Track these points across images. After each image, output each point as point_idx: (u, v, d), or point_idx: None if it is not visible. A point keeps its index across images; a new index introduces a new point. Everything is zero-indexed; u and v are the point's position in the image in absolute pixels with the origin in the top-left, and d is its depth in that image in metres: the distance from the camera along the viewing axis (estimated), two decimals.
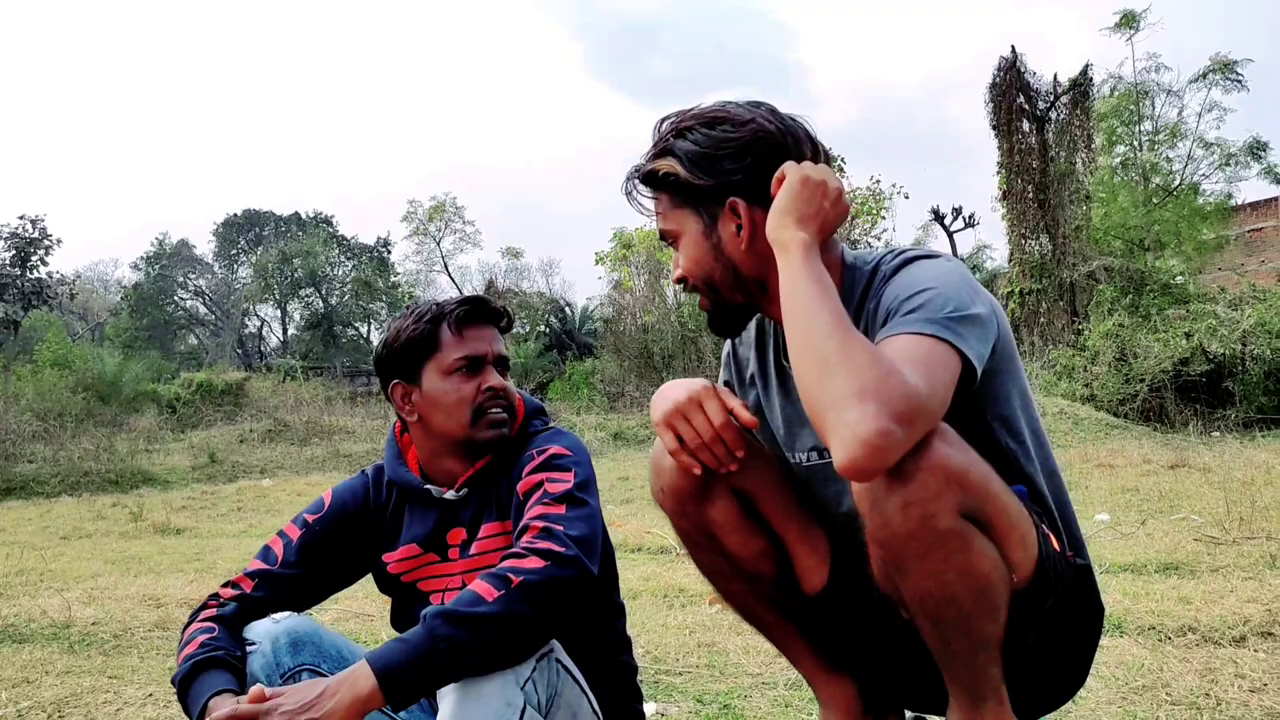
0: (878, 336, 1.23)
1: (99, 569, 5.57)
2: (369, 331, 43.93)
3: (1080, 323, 15.30)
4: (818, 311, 1.19)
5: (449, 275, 37.50)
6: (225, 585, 1.61)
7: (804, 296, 1.21)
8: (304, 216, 45.71)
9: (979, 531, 1.16)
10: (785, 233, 1.30)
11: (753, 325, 1.59)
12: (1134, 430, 11.93)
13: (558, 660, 1.42)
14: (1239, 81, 19.45)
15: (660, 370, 26.91)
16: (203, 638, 1.47)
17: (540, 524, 1.43)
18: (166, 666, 3.06)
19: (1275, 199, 27.23)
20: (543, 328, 39.94)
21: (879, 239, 26.35)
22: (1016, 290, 16.36)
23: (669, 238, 1.46)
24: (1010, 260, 17.12)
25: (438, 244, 36.88)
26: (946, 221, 27.29)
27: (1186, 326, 13.45)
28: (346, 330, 44.05)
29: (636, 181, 1.47)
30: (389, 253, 43.37)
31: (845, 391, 1.08)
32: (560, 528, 1.42)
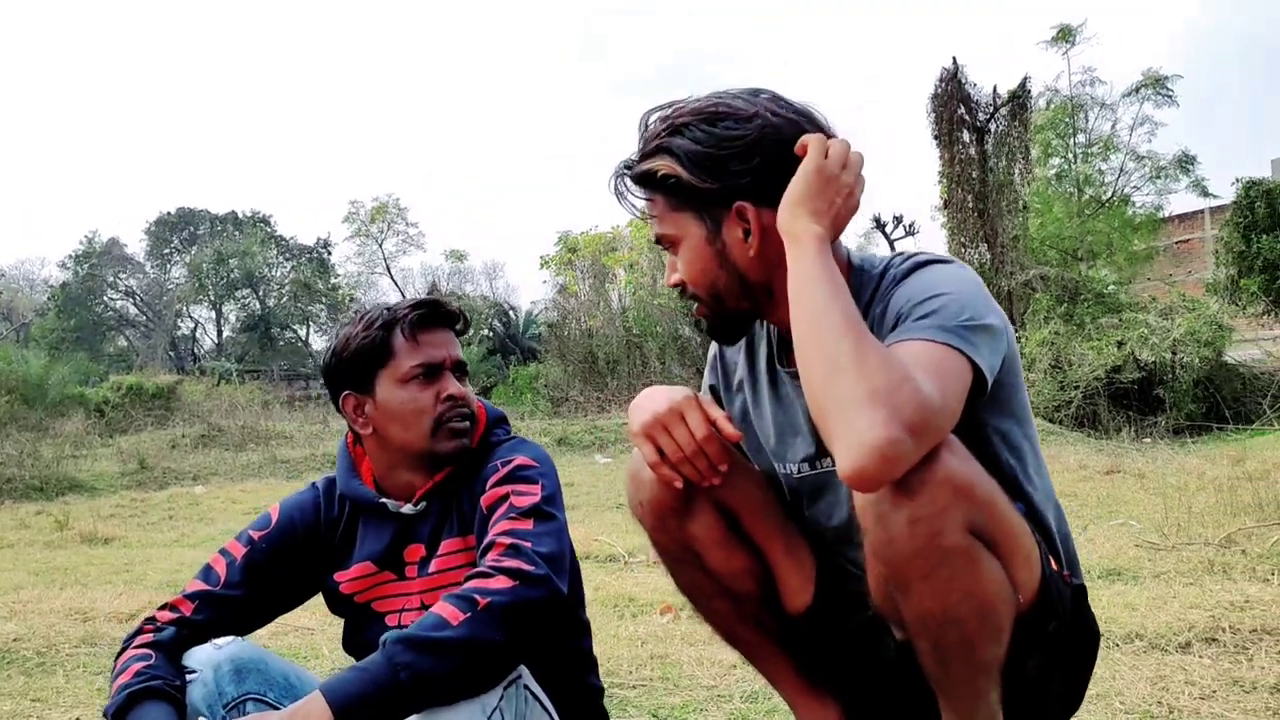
0: (887, 341, 1.18)
1: (21, 581, 5.32)
2: (308, 334, 43.13)
3: (1017, 330, 15.59)
4: (830, 310, 1.13)
5: (391, 278, 36.96)
6: (162, 608, 1.52)
7: (816, 293, 1.15)
8: (240, 215, 44.64)
9: (985, 550, 1.11)
10: (798, 224, 1.22)
11: None
12: (1068, 436, 12.17)
13: (526, 687, 1.35)
14: (1169, 96, 20.15)
15: (605, 375, 26.84)
16: (138, 666, 1.38)
17: (507, 540, 1.36)
18: (95, 688, 2.91)
19: (1201, 211, 28.15)
20: (486, 332, 39.59)
21: None
22: None
23: (666, 242, 1.37)
24: None
25: (380, 245, 36.34)
26: (888, 229, 27.61)
27: (1119, 335, 13.80)
28: (284, 333, 43.17)
29: (627, 180, 1.38)
30: (329, 254, 42.61)
31: (855, 395, 1.03)
32: (528, 544, 1.36)
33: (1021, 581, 1.16)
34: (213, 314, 43.66)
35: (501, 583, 1.29)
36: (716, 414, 1.33)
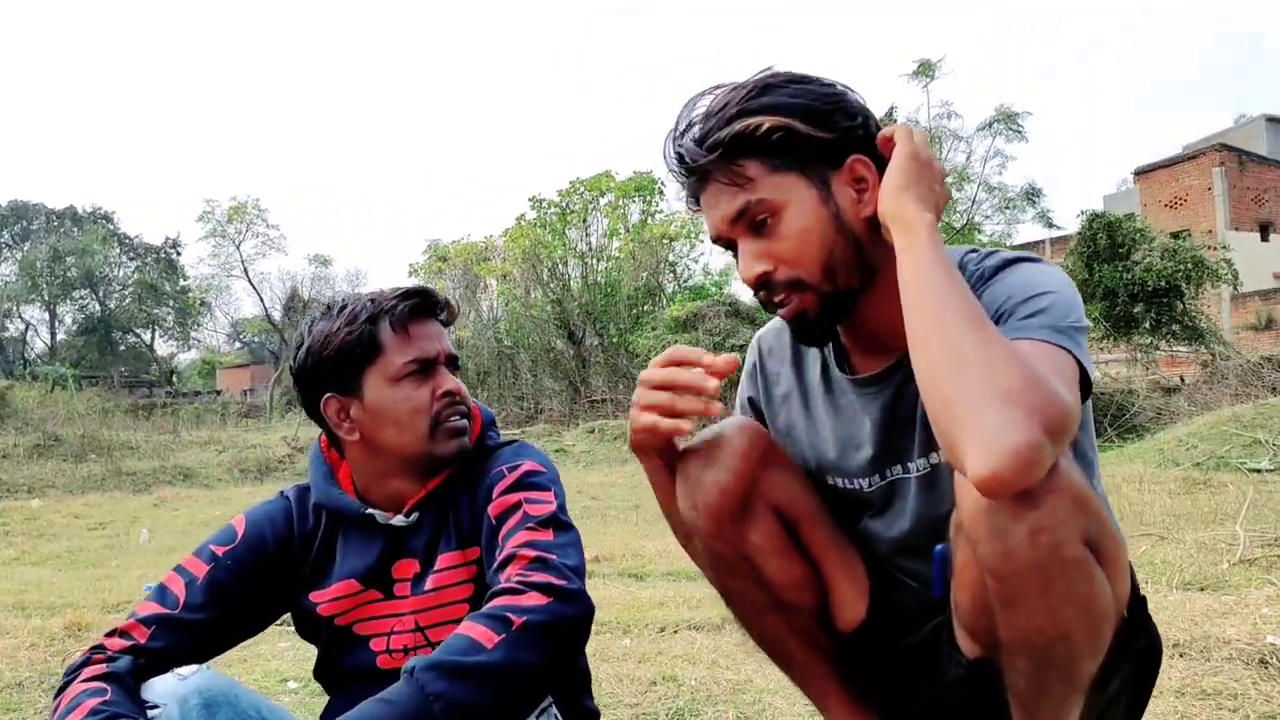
0: None
1: None
2: (152, 338, 40.62)
3: None
4: (953, 301, 1.04)
5: (249, 281, 35.28)
6: (111, 634, 1.32)
7: (937, 283, 1.06)
8: (80, 211, 41.76)
9: (1096, 562, 1.05)
10: (908, 210, 1.13)
11: (784, 334, 1.44)
12: None
13: (556, 715, 1.23)
14: (1019, 132, 21.42)
15: (475, 387, 26.33)
16: (92, 702, 1.18)
17: (531, 553, 1.24)
18: None
19: (1043, 241, 30.04)
20: None
21: (696, 261, 27.10)
22: None
23: (761, 213, 1.20)
24: None
25: (237, 247, 34.63)
26: None
27: None
28: (126, 336, 40.54)
29: (701, 152, 1.21)
30: (179, 254, 40.33)
31: (986, 393, 0.94)
32: (554, 556, 1.24)
33: (1119, 593, 1.11)
34: (46, 315, 40.58)
35: (535, 599, 1.17)
36: (687, 350, 1.23)
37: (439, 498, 1.44)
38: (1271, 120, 30.82)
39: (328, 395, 1.42)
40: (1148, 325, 15.63)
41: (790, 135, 1.17)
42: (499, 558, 1.28)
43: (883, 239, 1.20)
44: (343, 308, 1.43)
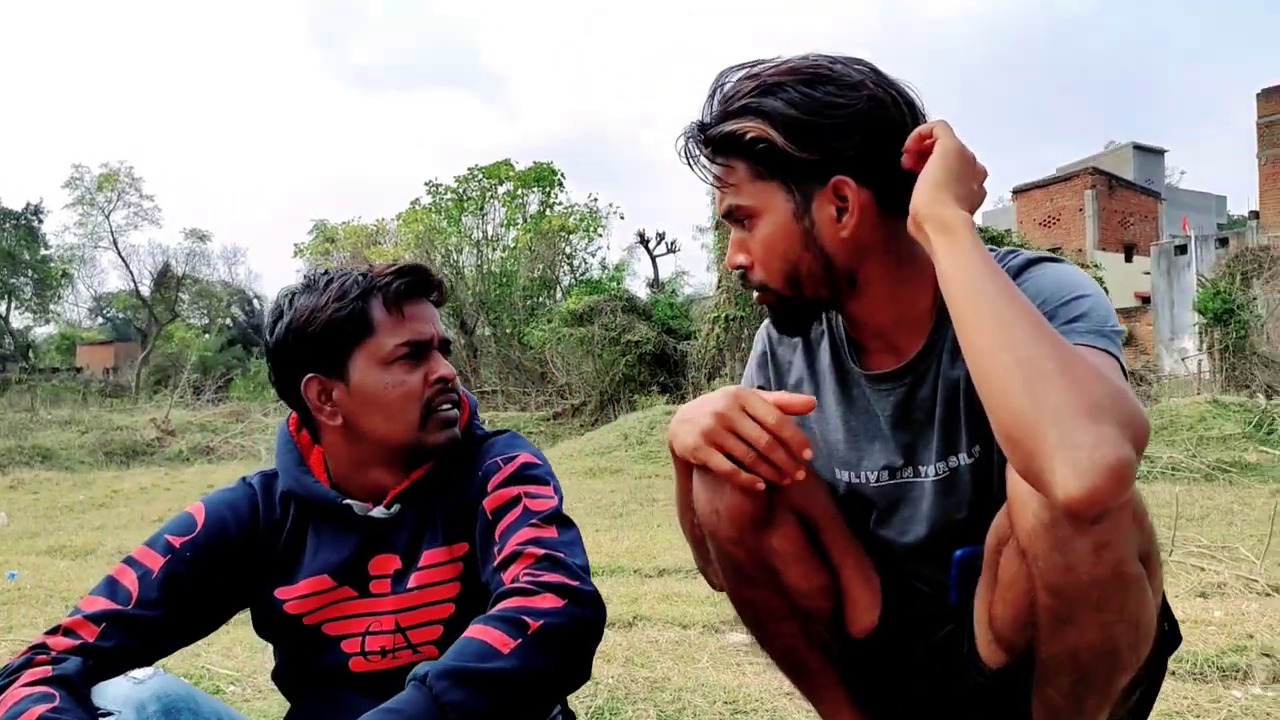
0: None
1: None
2: (8, 310, 38.01)
3: None
4: (1016, 308, 0.99)
5: (118, 253, 33.44)
6: (54, 632, 1.17)
7: (992, 288, 1.00)
8: None
9: (1147, 576, 1.03)
10: (947, 210, 1.07)
11: None
12: None
13: None
14: None
15: None
16: (39, 709, 1.03)
17: (539, 550, 1.16)
18: None
19: None
20: (226, 320, 36.66)
21: (594, 255, 27.04)
22: (722, 315, 17.29)
23: (741, 215, 1.21)
24: (718, 286, 18.10)
25: (106, 217, 32.75)
26: (651, 245, 28.47)
27: None
28: None
29: (698, 143, 1.21)
30: (40, 221, 37.83)
31: (1072, 407, 0.89)
32: (563, 555, 1.16)
33: (1158, 606, 1.10)
34: None
35: (550, 601, 1.09)
36: (779, 396, 1.18)
37: (423, 490, 1.33)
38: (1139, 148, 32.81)
39: (309, 376, 1.30)
40: None
41: (770, 148, 1.15)
42: (500, 555, 1.19)
43: (867, 254, 1.18)
44: (329, 281, 1.30)
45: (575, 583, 1.12)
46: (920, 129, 1.14)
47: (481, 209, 26.03)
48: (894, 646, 1.32)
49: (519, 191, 26.40)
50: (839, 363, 1.34)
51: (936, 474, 1.25)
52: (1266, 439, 8.33)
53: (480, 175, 25.98)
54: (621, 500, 7.82)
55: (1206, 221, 31.96)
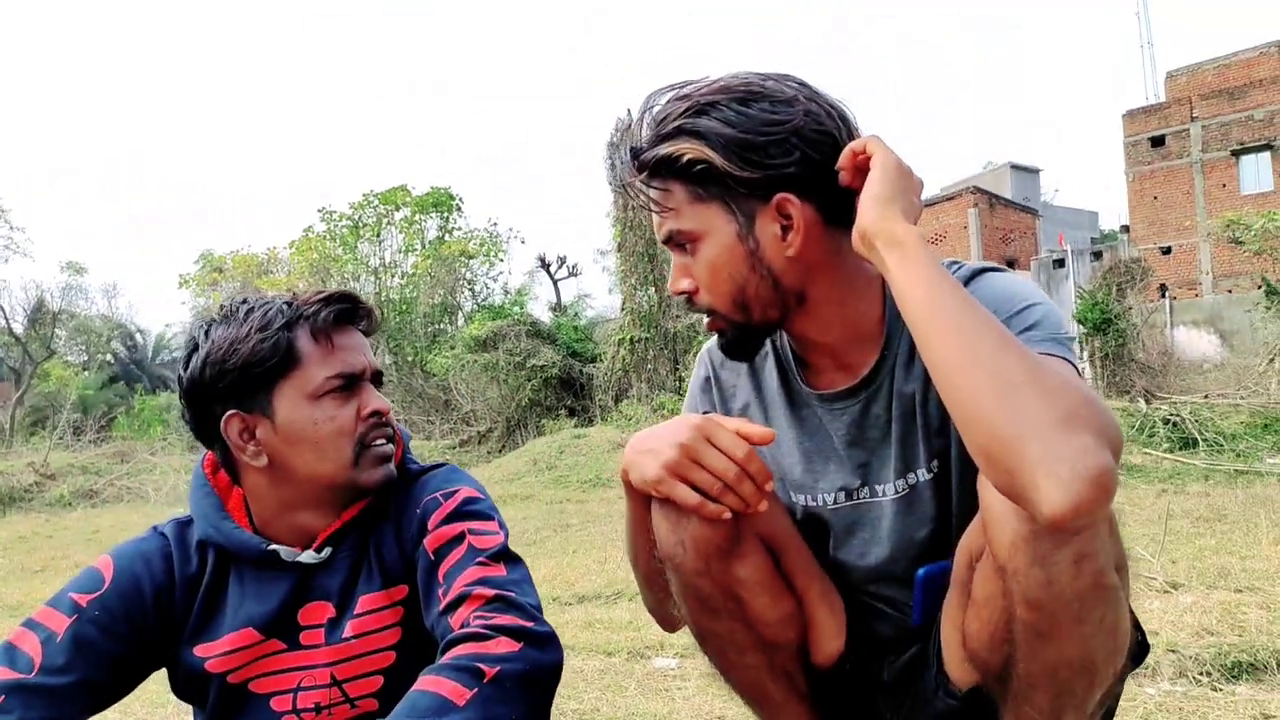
0: None
1: None
2: None
3: (682, 370, 16.55)
4: (977, 322, 0.96)
5: None
6: None
7: (952, 304, 0.98)
8: None
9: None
10: (896, 226, 1.04)
11: None
12: None
13: None
14: None
15: None
16: None
17: (488, 591, 1.10)
18: None
19: None
20: (107, 356, 34.91)
21: (496, 280, 26.78)
22: (628, 338, 17.32)
23: (682, 239, 1.18)
24: (623, 309, 18.13)
25: None
26: (552, 269, 28.38)
27: None
28: None
29: (630, 167, 1.17)
30: None
31: (1048, 418, 0.88)
32: (513, 594, 1.10)
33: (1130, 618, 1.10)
34: None
35: (506, 646, 1.03)
36: (739, 424, 1.15)
37: (355, 531, 1.26)
38: (1015, 167, 34.39)
39: (230, 412, 1.21)
40: None
41: (710, 169, 1.12)
42: (446, 598, 1.12)
43: (815, 272, 1.17)
44: (249, 310, 1.22)
45: (529, 624, 1.06)
46: (853, 145, 1.13)
47: (378, 235, 25.54)
48: (858, 673, 1.30)
49: (416, 217, 26.02)
50: (787, 384, 1.32)
51: (896, 492, 1.24)
52: (1149, 441, 8.73)
53: (376, 201, 25.51)
54: (535, 527, 7.70)
55: (1081, 236, 33.68)
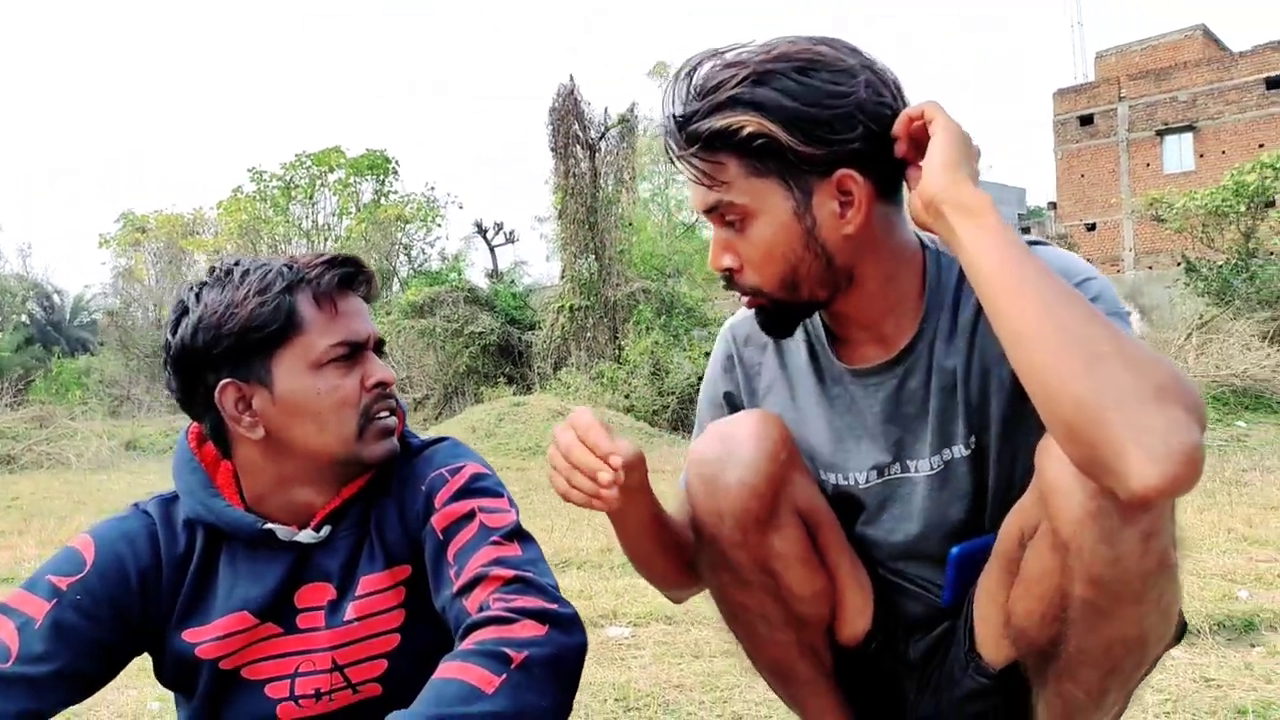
0: None
1: None
2: None
3: (621, 339, 16.54)
4: (1058, 291, 0.93)
5: None
6: None
7: (1030, 272, 0.95)
8: None
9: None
10: (966, 192, 1.01)
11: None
12: (667, 438, 13.12)
13: None
14: None
15: None
16: None
17: (506, 571, 1.05)
18: None
19: None
20: (23, 318, 33.52)
21: (433, 246, 26.36)
22: (567, 306, 17.21)
23: (730, 214, 1.12)
24: (562, 276, 18.01)
25: None
26: (489, 235, 28.02)
27: (707, 347, 15.17)
28: None
29: (681, 137, 1.11)
30: None
31: (1139, 391, 0.85)
32: (532, 574, 1.05)
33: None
34: None
35: (531, 630, 0.98)
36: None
37: (355, 508, 1.20)
38: None
39: (225, 381, 1.13)
40: None
41: (770, 143, 1.07)
42: (460, 579, 1.07)
43: (867, 249, 1.14)
44: (245, 272, 1.14)
45: (553, 606, 1.02)
46: (908, 111, 1.09)
47: (311, 197, 24.90)
48: (883, 651, 1.29)
49: (351, 179, 25.41)
50: (816, 360, 1.28)
51: (931, 468, 1.21)
52: None
53: (309, 162, 24.82)
54: None
55: (1008, 212, 34.40)
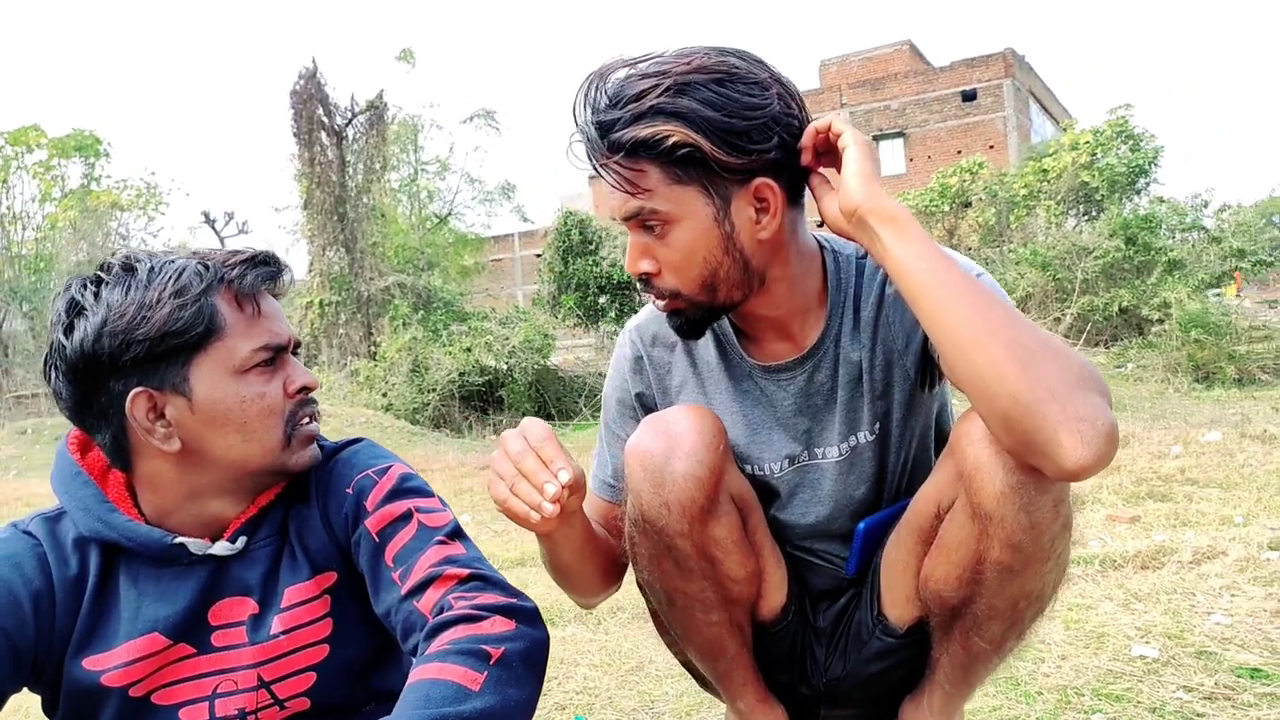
0: None
1: None
2: None
3: (377, 335, 15.97)
4: (982, 294, 1.02)
5: None
6: None
7: (958, 276, 1.03)
8: None
9: None
10: (887, 203, 1.07)
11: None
12: (430, 436, 12.85)
13: None
14: (496, 128, 22.64)
15: None
16: None
17: (460, 570, 1.02)
18: None
19: (512, 235, 32.08)
20: None
21: (155, 236, 24.09)
22: (317, 301, 16.38)
23: (652, 220, 1.14)
24: (310, 270, 17.09)
25: None
26: (218, 225, 26.09)
27: (467, 342, 15.00)
28: None
29: (602, 145, 1.12)
30: None
31: (1065, 381, 0.95)
32: (486, 571, 1.03)
33: None
34: None
35: (501, 625, 0.96)
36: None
37: (271, 516, 1.12)
38: None
39: (137, 390, 1.02)
40: (613, 315, 17.52)
41: (694, 153, 1.10)
42: (408, 581, 1.03)
43: (779, 252, 1.19)
44: (152, 269, 1.03)
45: (515, 600, 1.01)
46: (815, 125, 1.15)
47: (5, 181, 22.00)
48: (796, 622, 1.36)
49: (54, 161, 22.71)
50: (726, 358, 1.33)
51: (840, 454, 1.29)
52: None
53: (2, 140, 21.94)
54: None
55: None
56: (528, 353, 15.04)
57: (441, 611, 0.99)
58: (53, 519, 1.08)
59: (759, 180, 1.13)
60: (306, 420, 1.12)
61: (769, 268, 1.20)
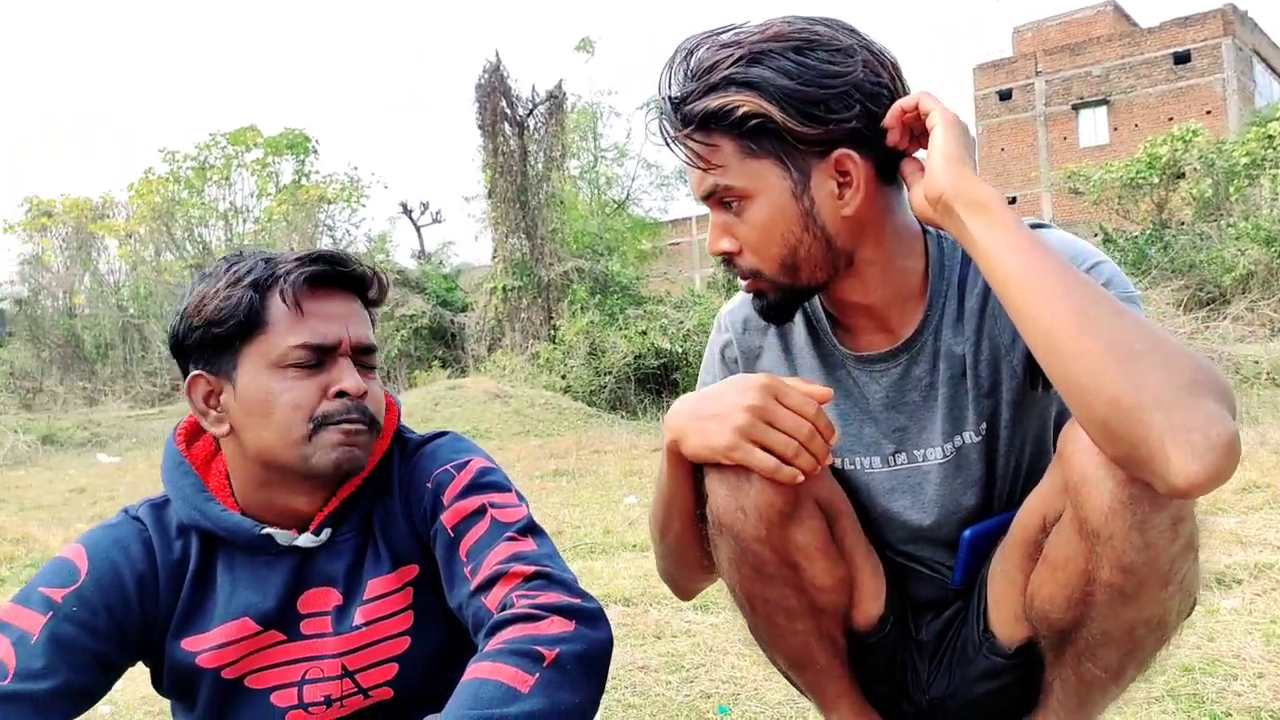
0: None
1: None
2: None
3: (556, 319, 16.44)
4: (1083, 287, 0.93)
5: None
6: None
7: (1054, 267, 0.94)
8: None
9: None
10: (977, 187, 0.99)
11: None
12: (605, 418, 13.12)
13: None
14: None
15: (92, 361, 23.28)
16: None
17: (526, 567, 1.02)
18: None
19: (690, 218, 32.26)
20: None
21: (358, 227, 25.83)
22: (500, 286, 17.03)
23: (730, 197, 1.10)
24: (494, 257, 17.79)
25: None
26: (415, 216, 27.60)
27: (643, 326, 15.18)
28: None
29: (676, 119, 1.09)
30: None
31: (1175, 387, 0.85)
32: (552, 570, 1.03)
33: None
34: None
35: (559, 626, 0.95)
36: (797, 383, 1.10)
37: (356, 510, 1.15)
38: None
39: (195, 373, 1.10)
40: None
41: (767, 124, 1.05)
42: (477, 577, 1.04)
43: (867, 231, 1.12)
44: (230, 265, 1.10)
45: (578, 600, 0.99)
46: (901, 103, 1.08)
47: (227, 178, 24.14)
48: (896, 634, 1.29)
49: (269, 159, 24.69)
50: (819, 345, 1.26)
51: (944, 455, 1.21)
52: None
53: (224, 141, 24.04)
54: None
55: None
56: (702, 336, 15.08)
57: (504, 609, 0.99)
58: (159, 506, 1.15)
59: (840, 151, 1.07)
60: (347, 425, 1.10)
61: (857, 248, 1.13)
